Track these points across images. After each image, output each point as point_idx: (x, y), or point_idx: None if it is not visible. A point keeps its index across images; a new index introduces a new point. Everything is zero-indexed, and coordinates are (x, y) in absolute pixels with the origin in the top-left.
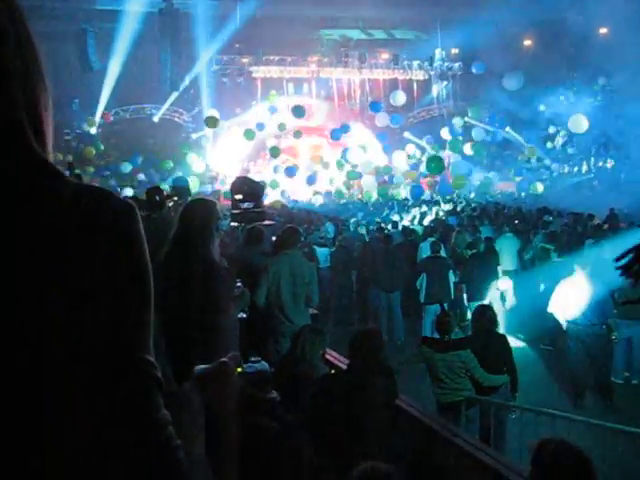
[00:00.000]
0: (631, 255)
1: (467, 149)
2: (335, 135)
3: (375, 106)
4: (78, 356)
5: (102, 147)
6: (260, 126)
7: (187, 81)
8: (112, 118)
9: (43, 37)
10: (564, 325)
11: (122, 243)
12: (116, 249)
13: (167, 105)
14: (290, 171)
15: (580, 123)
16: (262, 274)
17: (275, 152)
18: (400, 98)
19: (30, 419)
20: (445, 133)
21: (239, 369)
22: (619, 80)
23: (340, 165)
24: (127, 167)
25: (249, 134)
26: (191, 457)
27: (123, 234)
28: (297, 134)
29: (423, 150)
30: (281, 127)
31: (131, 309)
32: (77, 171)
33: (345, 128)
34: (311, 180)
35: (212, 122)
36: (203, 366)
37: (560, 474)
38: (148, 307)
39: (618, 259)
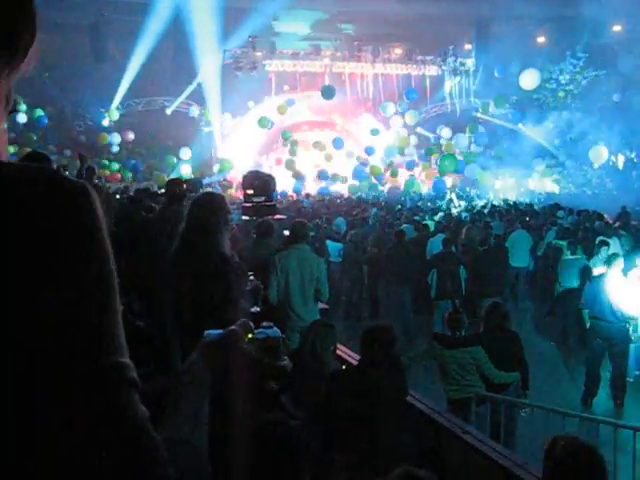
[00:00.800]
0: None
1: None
2: (337, 144)
3: (410, 93)
4: (32, 365)
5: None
6: (269, 122)
7: (200, 75)
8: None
9: (57, 28)
10: (587, 322)
11: (76, 231)
12: (69, 238)
13: (182, 98)
14: (299, 181)
15: (600, 154)
16: (270, 269)
17: (287, 136)
18: (390, 109)
19: None
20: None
21: (249, 335)
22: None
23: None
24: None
25: (263, 122)
26: (189, 450)
27: (78, 221)
28: (293, 143)
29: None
30: (286, 136)
31: (92, 309)
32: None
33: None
34: (324, 176)
35: (263, 122)
36: (211, 332)
37: (572, 470)
38: (112, 303)
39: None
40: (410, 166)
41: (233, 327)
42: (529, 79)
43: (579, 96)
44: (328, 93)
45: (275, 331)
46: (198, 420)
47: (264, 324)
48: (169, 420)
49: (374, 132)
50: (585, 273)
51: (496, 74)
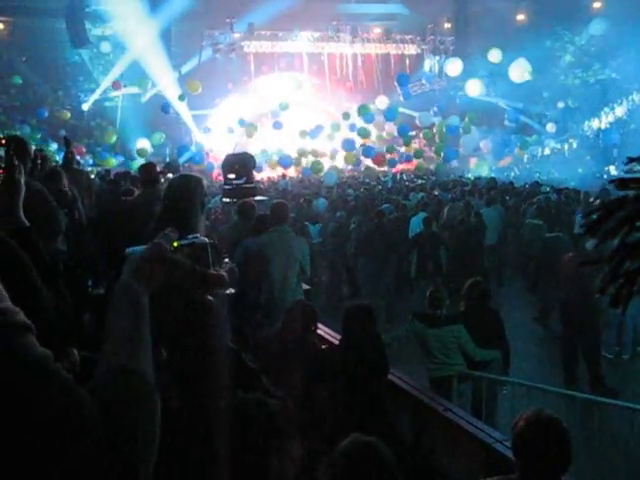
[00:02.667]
0: (599, 214)
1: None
2: (313, 134)
3: (402, 78)
4: None
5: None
6: (241, 122)
7: (177, 57)
8: (123, 85)
9: (34, 13)
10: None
11: None
12: None
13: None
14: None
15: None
16: (248, 252)
17: (284, 106)
18: (382, 102)
19: None
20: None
21: (175, 244)
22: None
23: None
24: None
25: (250, 129)
26: (127, 377)
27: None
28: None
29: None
30: (282, 106)
31: None
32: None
33: (320, 129)
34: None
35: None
36: (135, 248)
37: (533, 441)
38: None
39: (586, 215)
40: (390, 150)
41: (155, 240)
42: (519, 71)
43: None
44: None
45: (201, 239)
46: (135, 345)
47: (190, 236)
48: (105, 346)
49: (361, 132)
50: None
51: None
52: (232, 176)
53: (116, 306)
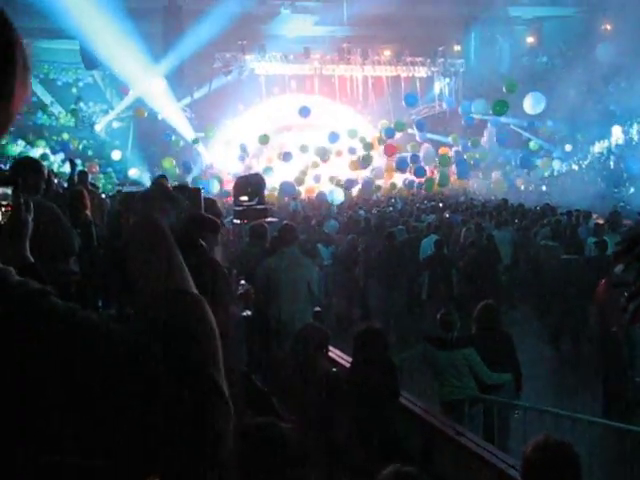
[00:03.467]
0: (626, 244)
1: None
2: (304, 112)
3: (410, 99)
4: None
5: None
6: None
7: (189, 78)
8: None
9: (43, 33)
10: None
11: None
12: None
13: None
14: (286, 156)
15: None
16: (258, 274)
17: (263, 139)
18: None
19: None
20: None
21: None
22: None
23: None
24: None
25: (263, 139)
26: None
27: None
28: (263, 138)
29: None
30: (261, 139)
31: None
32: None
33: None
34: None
35: (264, 139)
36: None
37: (542, 467)
38: None
39: (617, 244)
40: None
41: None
42: (533, 104)
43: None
44: (304, 112)
45: (197, 188)
46: (182, 270)
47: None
48: (142, 283)
49: (366, 160)
50: None
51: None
52: (244, 198)
53: (145, 241)
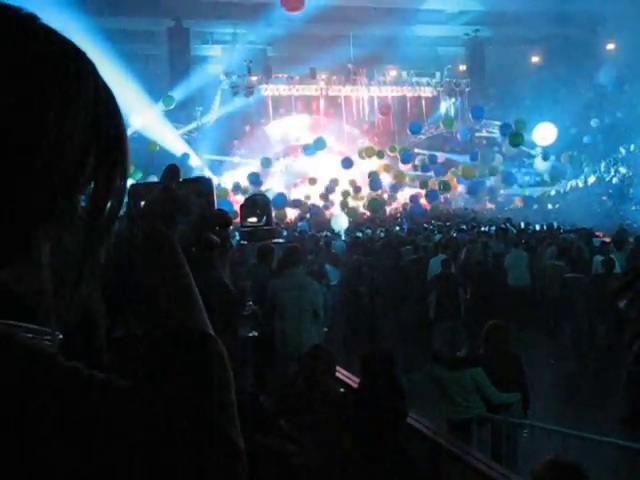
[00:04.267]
0: (628, 278)
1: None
2: (308, 151)
3: (415, 127)
4: None
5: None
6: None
7: (196, 99)
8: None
9: None
10: None
11: None
12: None
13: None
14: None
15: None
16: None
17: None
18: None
19: None
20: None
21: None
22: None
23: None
24: None
25: (265, 162)
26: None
27: None
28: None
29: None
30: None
31: None
32: None
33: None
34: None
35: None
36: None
37: None
38: None
39: (619, 278)
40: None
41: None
42: (545, 134)
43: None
44: (346, 164)
45: (207, 178)
46: (192, 301)
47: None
48: (149, 314)
49: (374, 182)
50: None
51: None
52: (253, 220)
53: (153, 262)
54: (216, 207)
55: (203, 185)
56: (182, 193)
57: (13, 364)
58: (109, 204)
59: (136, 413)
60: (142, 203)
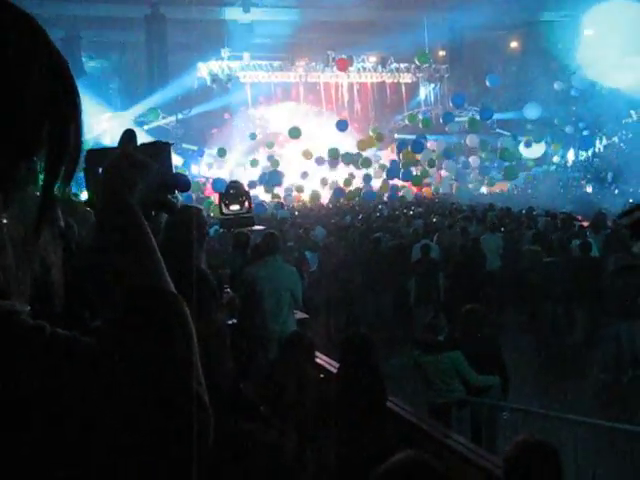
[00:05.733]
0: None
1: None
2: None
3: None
4: None
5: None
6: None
7: (174, 87)
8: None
9: None
10: None
11: None
12: None
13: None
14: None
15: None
16: (241, 282)
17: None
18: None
19: None
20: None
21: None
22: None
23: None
24: None
25: (269, 144)
26: None
27: None
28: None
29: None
30: (269, 145)
31: None
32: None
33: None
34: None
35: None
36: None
37: (524, 466)
38: None
39: (623, 216)
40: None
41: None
42: (533, 111)
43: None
44: (294, 133)
45: (164, 142)
46: (156, 261)
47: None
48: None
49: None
50: None
51: (488, 83)
52: (236, 207)
53: (114, 224)
54: (174, 171)
55: (160, 149)
56: (141, 157)
57: None
58: (65, 162)
59: (100, 367)
60: (99, 169)
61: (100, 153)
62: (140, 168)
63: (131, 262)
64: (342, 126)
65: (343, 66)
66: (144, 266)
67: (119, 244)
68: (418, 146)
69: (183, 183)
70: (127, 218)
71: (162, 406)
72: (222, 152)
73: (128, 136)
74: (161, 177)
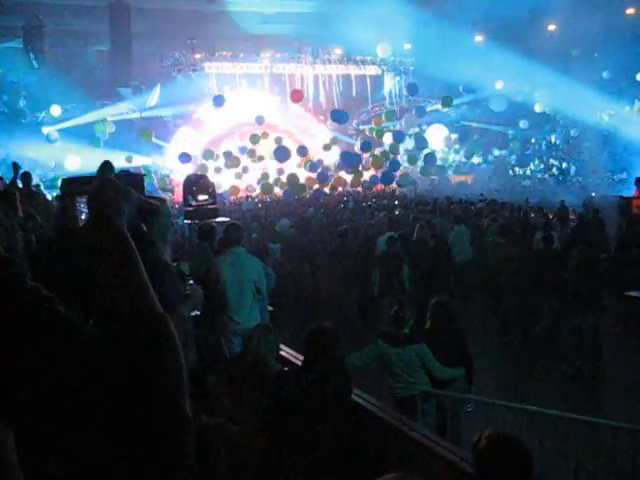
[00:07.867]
0: None
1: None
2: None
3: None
4: None
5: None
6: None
7: (138, 77)
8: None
9: None
10: None
11: None
12: None
13: (123, 105)
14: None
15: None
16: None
17: (256, 139)
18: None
19: None
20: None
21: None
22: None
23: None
24: None
25: (255, 138)
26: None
27: None
28: (255, 138)
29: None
30: (254, 139)
31: None
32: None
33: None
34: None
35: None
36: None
37: (495, 462)
38: None
39: None
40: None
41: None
42: (498, 104)
43: None
44: (258, 120)
45: (137, 173)
46: (145, 287)
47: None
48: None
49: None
50: None
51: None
52: (204, 197)
53: (108, 251)
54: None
55: (135, 179)
56: (123, 185)
57: None
58: None
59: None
60: (76, 197)
61: (75, 181)
62: (124, 195)
63: (122, 282)
64: (338, 116)
65: (298, 98)
66: (134, 286)
67: (112, 265)
68: (399, 136)
69: (155, 209)
70: (120, 241)
71: (156, 421)
72: (185, 158)
73: (105, 167)
74: (139, 203)
